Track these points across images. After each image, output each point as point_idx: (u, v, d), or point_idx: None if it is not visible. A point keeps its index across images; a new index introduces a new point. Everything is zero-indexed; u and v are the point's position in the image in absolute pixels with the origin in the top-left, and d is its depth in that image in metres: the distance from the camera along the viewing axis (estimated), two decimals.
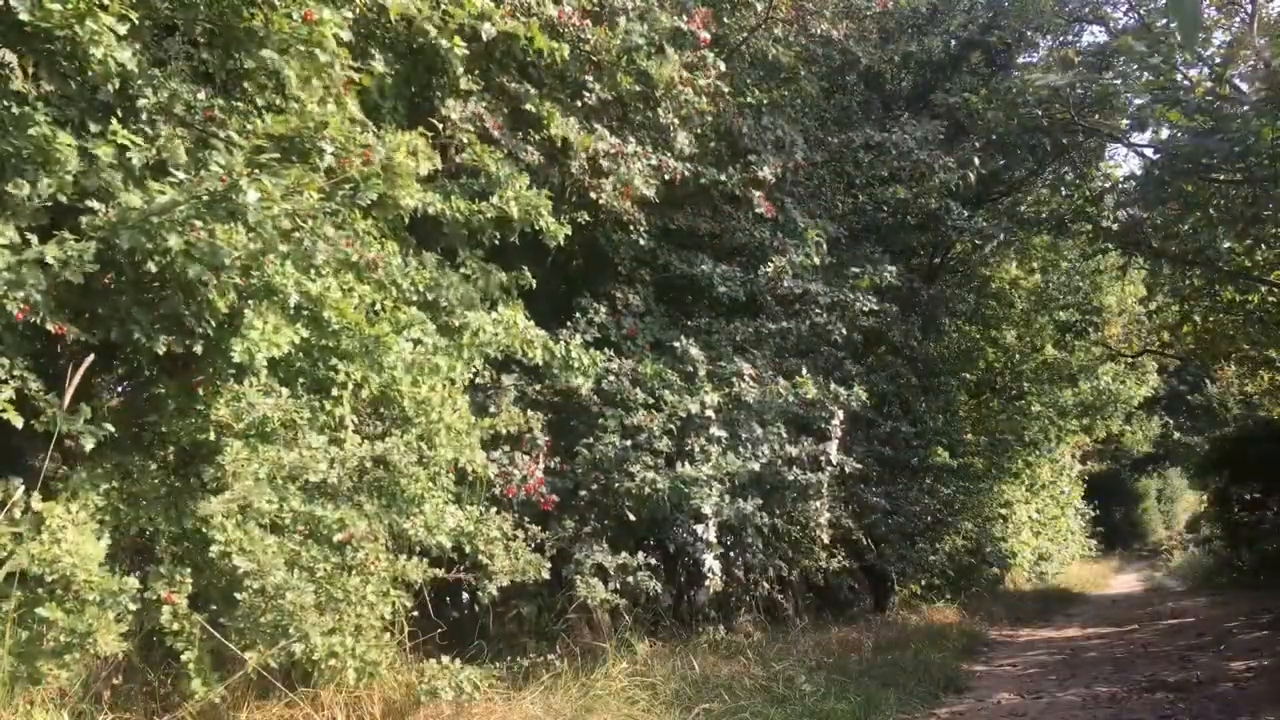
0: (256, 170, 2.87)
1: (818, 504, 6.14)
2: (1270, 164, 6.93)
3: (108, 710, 2.96)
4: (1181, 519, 30.89)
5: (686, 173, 5.26)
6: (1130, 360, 15.11)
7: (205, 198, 2.76)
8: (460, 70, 4.12)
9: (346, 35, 3.34)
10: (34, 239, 2.69)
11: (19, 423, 2.72)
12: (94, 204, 2.76)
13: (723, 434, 5.26)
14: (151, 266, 2.74)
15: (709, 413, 5.16)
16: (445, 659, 3.45)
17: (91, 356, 2.75)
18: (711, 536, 5.19)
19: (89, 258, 2.68)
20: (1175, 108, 7.27)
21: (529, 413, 4.36)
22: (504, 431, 4.19)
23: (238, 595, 2.92)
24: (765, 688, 4.60)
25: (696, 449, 5.11)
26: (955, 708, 4.76)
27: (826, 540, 6.80)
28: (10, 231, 2.64)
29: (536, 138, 4.61)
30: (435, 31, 3.87)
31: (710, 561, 5.37)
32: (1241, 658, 5.57)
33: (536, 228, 4.17)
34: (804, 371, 5.67)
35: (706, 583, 5.36)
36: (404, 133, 3.60)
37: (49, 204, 2.76)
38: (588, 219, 4.90)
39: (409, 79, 4.24)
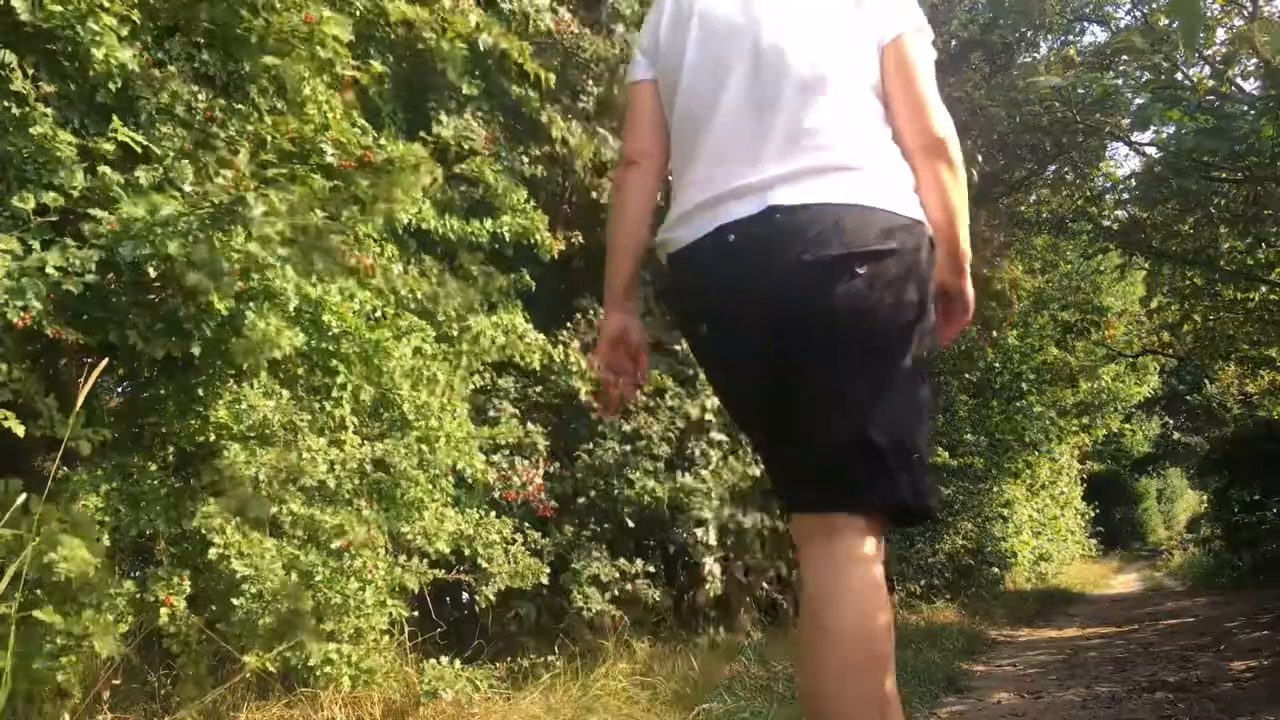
0: (263, 185, 2.87)
1: None
2: (1271, 163, 6.92)
3: (107, 711, 2.96)
4: (1181, 519, 30.90)
5: None
6: (1131, 360, 15.12)
7: (209, 209, 2.76)
8: (459, 74, 4.12)
9: (348, 35, 3.34)
10: (35, 244, 2.69)
11: (20, 430, 2.71)
12: (97, 211, 2.76)
13: (723, 438, 5.26)
14: (151, 271, 2.75)
15: (709, 417, 5.15)
16: (445, 659, 3.45)
17: (105, 361, 2.75)
18: (712, 540, 5.19)
19: (91, 266, 2.67)
20: (1176, 107, 7.27)
21: (528, 425, 4.35)
22: (508, 437, 4.20)
23: (235, 601, 2.92)
24: (766, 688, 4.59)
25: (697, 453, 5.11)
26: (955, 708, 4.75)
27: None
28: (13, 243, 2.64)
29: (536, 152, 4.61)
30: (435, 38, 3.88)
31: (710, 565, 5.37)
32: (1241, 658, 5.56)
33: (531, 243, 4.20)
34: None
35: (706, 585, 5.37)
36: (404, 143, 3.60)
37: (53, 219, 2.76)
38: (589, 219, 4.91)
39: (409, 81, 4.24)
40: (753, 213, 1.45)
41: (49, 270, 2.63)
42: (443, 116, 4.23)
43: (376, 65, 3.71)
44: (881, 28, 1.51)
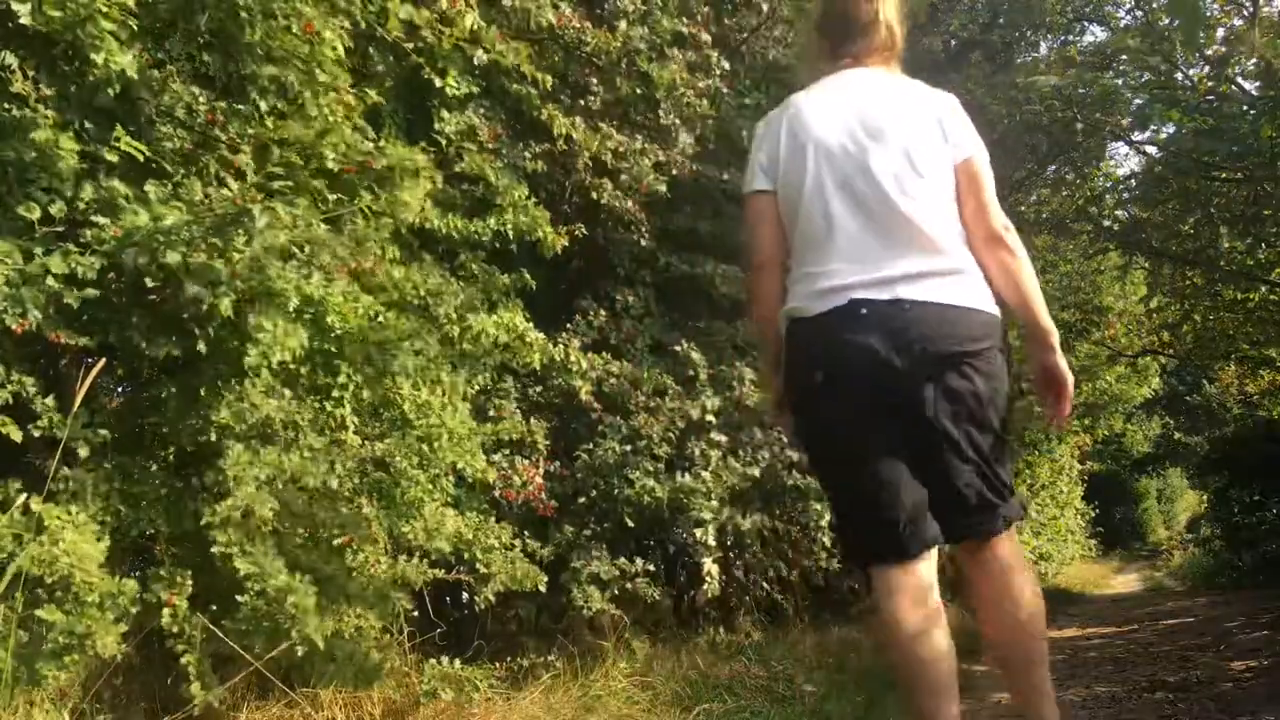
0: (268, 197, 2.88)
1: (819, 505, 6.13)
2: (1270, 163, 6.92)
3: (108, 710, 2.96)
4: (1181, 519, 30.88)
5: (690, 171, 5.28)
6: (1131, 360, 15.11)
7: (213, 219, 2.76)
8: (458, 75, 4.13)
9: (344, 42, 3.34)
10: (38, 251, 2.70)
11: (18, 436, 2.71)
12: (99, 219, 2.76)
13: (723, 438, 5.25)
14: (149, 281, 2.75)
15: (709, 417, 5.15)
16: (445, 659, 3.45)
17: (103, 362, 2.75)
18: (711, 540, 5.19)
19: (93, 274, 2.67)
20: (1174, 108, 7.27)
21: (531, 421, 4.35)
22: (506, 439, 4.20)
23: (239, 598, 2.92)
24: (766, 688, 4.60)
25: (697, 453, 5.10)
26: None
27: (836, 545, 6.78)
28: (16, 255, 2.64)
29: (537, 149, 4.61)
30: (434, 41, 3.89)
31: (708, 565, 5.37)
32: (1241, 658, 5.56)
33: (534, 240, 4.21)
34: None
35: (705, 586, 5.38)
36: (405, 147, 3.60)
37: (59, 227, 2.76)
38: (589, 219, 4.91)
39: (409, 82, 4.25)
40: (883, 299, 1.85)
41: (50, 280, 2.63)
42: (444, 113, 4.23)
43: (373, 94, 3.70)
44: (957, 150, 2.00)
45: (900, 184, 1.90)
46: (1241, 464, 12.41)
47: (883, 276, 1.85)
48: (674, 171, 5.13)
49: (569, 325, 5.09)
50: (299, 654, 2.97)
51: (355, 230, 3.30)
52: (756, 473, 5.29)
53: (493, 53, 4.11)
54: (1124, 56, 8.07)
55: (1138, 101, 8.15)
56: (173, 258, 2.68)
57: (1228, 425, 16.97)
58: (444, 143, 4.18)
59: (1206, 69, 8.65)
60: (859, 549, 2.06)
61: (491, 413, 4.38)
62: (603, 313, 5.27)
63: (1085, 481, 22.15)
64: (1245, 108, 7.21)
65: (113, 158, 2.82)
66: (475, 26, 4.01)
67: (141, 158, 2.86)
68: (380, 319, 3.54)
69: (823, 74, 2.08)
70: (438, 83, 4.07)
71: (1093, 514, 23.04)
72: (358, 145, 3.35)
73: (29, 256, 2.67)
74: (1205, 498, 17.58)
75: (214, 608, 3.08)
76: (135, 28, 2.86)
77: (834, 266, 1.89)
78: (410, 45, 3.95)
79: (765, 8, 6.19)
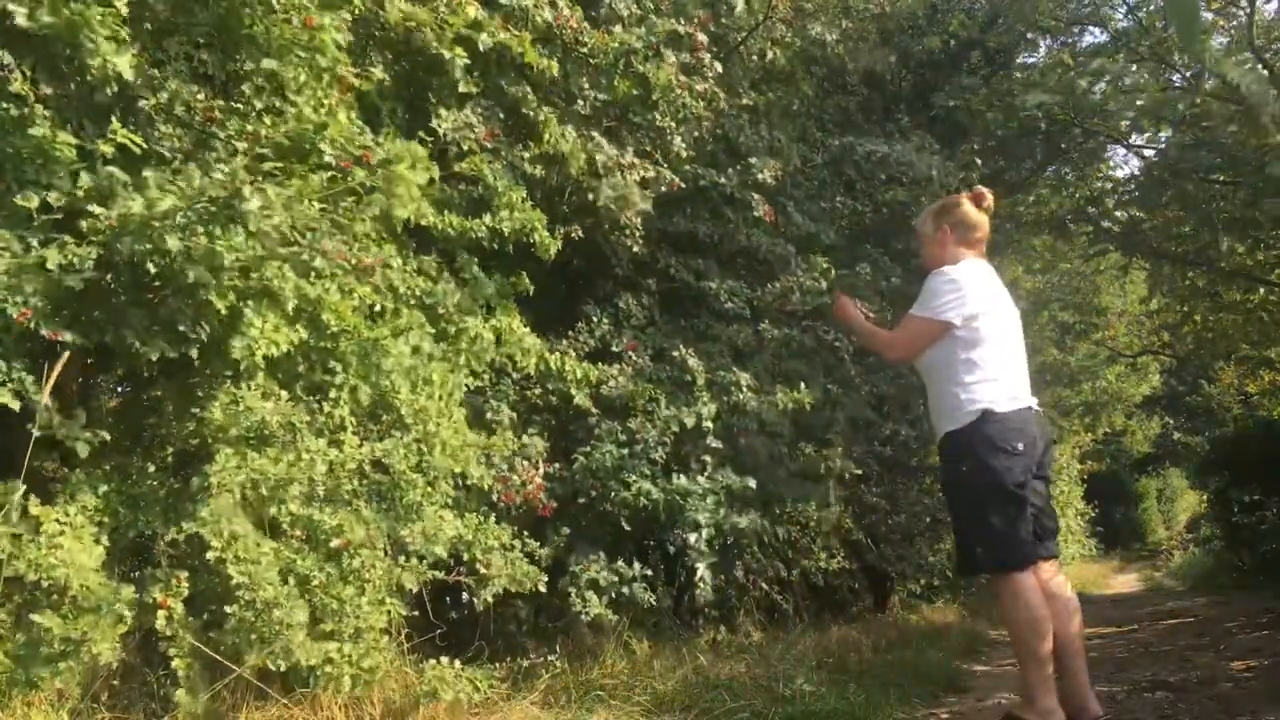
0: (259, 179, 2.86)
1: (823, 511, 6.15)
2: (1258, 170, 6.91)
3: (105, 711, 2.96)
4: (1181, 519, 30.85)
5: (683, 184, 5.28)
6: (1131, 360, 15.13)
7: (206, 204, 2.75)
8: (459, 74, 4.12)
9: (345, 38, 3.34)
10: (34, 242, 2.69)
11: (16, 405, 2.70)
12: (95, 208, 2.75)
13: (719, 444, 5.25)
14: (151, 268, 2.74)
15: (706, 424, 5.15)
16: (444, 660, 3.44)
17: (67, 355, 2.73)
18: (703, 546, 5.20)
19: (89, 263, 2.67)
20: (1160, 119, 7.26)
21: (526, 434, 4.34)
22: (502, 450, 4.19)
23: (228, 608, 2.91)
24: (766, 687, 4.59)
25: (693, 459, 5.10)
26: (955, 707, 4.75)
27: (836, 545, 6.79)
28: (15, 244, 2.64)
29: (536, 151, 4.60)
30: (434, 38, 3.88)
31: (702, 570, 5.36)
32: (1241, 658, 5.55)
33: (530, 241, 4.20)
34: (803, 386, 5.65)
35: (698, 591, 5.38)
36: (403, 141, 3.59)
37: (57, 215, 2.75)
38: (587, 223, 4.91)
39: (408, 80, 4.24)
40: (1033, 405, 3.32)
41: (49, 266, 2.62)
42: (442, 111, 4.22)
43: (376, 72, 3.69)
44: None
45: (1021, 340, 3.35)
46: (1241, 464, 12.39)
47: (1027, 393, 3.31)
48: (663, 188, 5.13)
49: (570, 333, 5.08)
50: (287, 665, 2.95)
51: (350, 209, 3.29)
52: (753, 483, 5.29)
53: (495, 39, 4.10)
54: (1106, 76, 8.06)
55: (1129, 114, 8.14)
56: (173, 244, 2.68)
57: (1227, 425, 16.96)
58: (442, 139, 4.17)
59: (1202, 75, 8.65)
60: (1010, 556, 3.20)
61: (489, 415, 4.36)
62: (604, 321, 5.25)
63: (1085, 481, 22.16)
64: (1235, 109, 7.20)
65: (109, 150, 2.82)
66: (478, 16, 4.02)
67: (139, 151, 2.85)
68: (379, 308, 3.53)
69: (960, 255, 3.36)
70: (445, 54, 4.03)
71: (1093, 514, 23.05)
72: (355, 139, 3.34)
73: (26, 249, 2.67)
74: (1205, 498, 17.57)
75: (213, 608, 3.08)
76: (129, 36, 2.86)
77: (1016, 380, 3.28)
78: (412, 25, 3.94)
79: (755, 5, 6.18)
